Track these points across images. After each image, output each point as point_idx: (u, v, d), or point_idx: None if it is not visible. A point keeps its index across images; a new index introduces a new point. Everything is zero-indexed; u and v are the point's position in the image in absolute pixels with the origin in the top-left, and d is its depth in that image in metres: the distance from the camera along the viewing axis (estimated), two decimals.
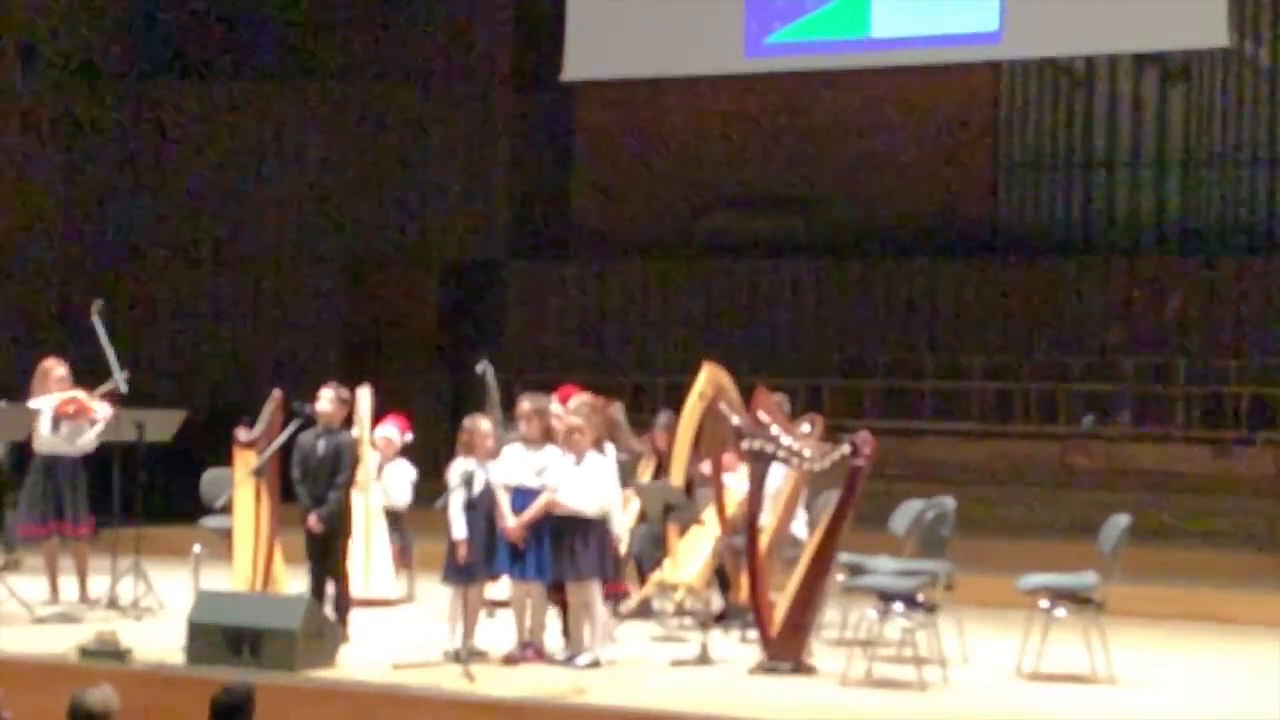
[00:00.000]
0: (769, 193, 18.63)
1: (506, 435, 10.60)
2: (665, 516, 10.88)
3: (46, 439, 11.69)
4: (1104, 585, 9.79)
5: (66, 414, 11.58)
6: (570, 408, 10.25)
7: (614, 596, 10.17)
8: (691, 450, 11.24)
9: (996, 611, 11.08)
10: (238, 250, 19.64)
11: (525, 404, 10.12)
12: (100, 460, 11.84)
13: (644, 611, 11.47)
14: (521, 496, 9.85)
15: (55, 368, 11.84)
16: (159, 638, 10.19)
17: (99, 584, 11.72)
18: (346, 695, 9.24)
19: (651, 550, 11.39)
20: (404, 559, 12.50)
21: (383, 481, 12.42)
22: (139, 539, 11.45)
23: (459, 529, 9.80)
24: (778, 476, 10.51)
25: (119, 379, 11.68)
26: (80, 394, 11.69)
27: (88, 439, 11.71)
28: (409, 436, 12.65)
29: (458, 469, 9.89)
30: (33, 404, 11.69)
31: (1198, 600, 12.93)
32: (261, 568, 10.92)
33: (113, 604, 11.49)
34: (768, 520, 10.36)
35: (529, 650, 9.97)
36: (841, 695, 9.29)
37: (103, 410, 11.62)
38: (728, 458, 10.75)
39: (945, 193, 18.05)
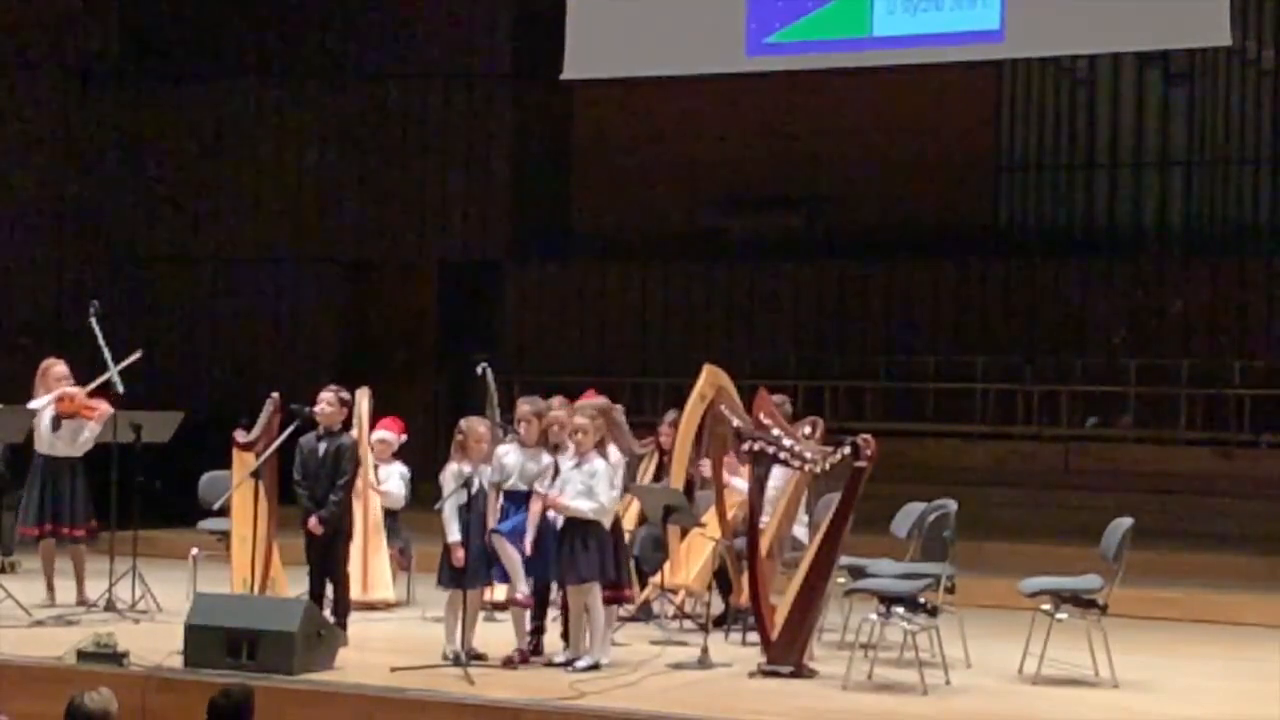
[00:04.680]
0: (769, 193, 18.58)
1: (505, 437, 10.54)
2: (665, 519, 10.85)
3: (47, 439, 11.68)
4: (1107, 588, 9.75)
5: (66, 413, 11.56)
6: (573, 408, 10.18)
7: (616, 600, 10.08)
8: (693, 451, 11.21)
9: (999, 614, 11.06)
10: (236, 250, 19.60)
11: (524, 406, 10.05)
12: (98, 462, 11.79)
13: (644, 614, 11.42)
14: (518, 500, 9.80)
15: (54, 365, 11.84)
16: (157, 640, 10.13)
17: (97, 586, 11.68)
18: (345, 698, 9.21)
19: (652, 553, 11.35)
20: (403, 561, 12.46)
21: (378, 483, 12.36)
22: (136, 541, 11.41)
23: (452, 533, 9.75)
24: (779, 478, 10.46)
25: (116, 380, 11.64)
26: (74, 390, 11.66)
27: (85, 438, 11.69)
28: (404, 438, 12.60)
29: (451, 472, 9.83)
30: (32, 404, 11.68)
31: (1201, 603, 12.88)
32: (260, 570, 10.87)
33: (110, 606, 11.45)
34: (768, 522, 10.31)
35: (528, 653, 9.91)
36: (843, 698, 9.26)
37: (101, 407, 11.59)
38: (729, 460, 10.70)
39: (946, 193, 18.00)
